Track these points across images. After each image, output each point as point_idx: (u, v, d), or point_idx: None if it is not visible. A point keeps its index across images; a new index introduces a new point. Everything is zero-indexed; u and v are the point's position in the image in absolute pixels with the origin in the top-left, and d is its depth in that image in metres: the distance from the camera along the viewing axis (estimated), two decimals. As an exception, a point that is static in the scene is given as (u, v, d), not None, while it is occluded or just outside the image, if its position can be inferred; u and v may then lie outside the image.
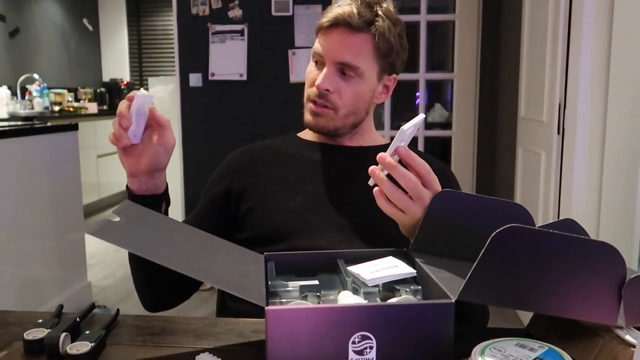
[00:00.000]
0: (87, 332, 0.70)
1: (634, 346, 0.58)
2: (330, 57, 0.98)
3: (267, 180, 1.04)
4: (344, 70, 0.99)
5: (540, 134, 2.47)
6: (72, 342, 0.68)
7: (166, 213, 0.93)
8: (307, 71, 1.04)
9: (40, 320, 0.73)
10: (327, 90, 0.98)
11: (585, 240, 0.59)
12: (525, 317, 2.46)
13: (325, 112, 1.01)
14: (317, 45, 1.00)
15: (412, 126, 0.77)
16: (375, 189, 0.78)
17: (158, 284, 0.96)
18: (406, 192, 0.76)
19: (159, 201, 0.90)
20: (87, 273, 3.02)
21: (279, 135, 1.17)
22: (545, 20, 2.38)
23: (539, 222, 2.41)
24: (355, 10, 0.97)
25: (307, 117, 1.03)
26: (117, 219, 0.67)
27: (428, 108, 3.89)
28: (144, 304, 1.00)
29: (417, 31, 3.46)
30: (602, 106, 2.10)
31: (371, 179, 0.77)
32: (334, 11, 0.98)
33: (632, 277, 0.59)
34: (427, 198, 0.76)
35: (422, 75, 3.52)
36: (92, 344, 0.67)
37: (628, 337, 0.60)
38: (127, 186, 0.90)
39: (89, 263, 3.08)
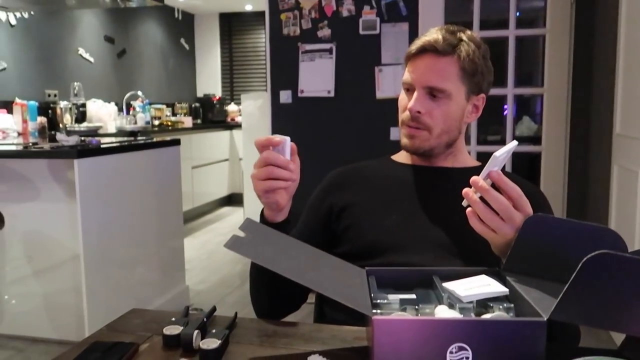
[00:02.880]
0: (214, 330, 0.81)
1: None
2: (419, 82, 1.06)
3: (365, 199, 1.12)
4: (432, 93, 1.06)
5: (638, 151, 2.38)
6: (201, 339, 0.80)
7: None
8: (399, 100, 1.13)
9: (174, 319, 0.86)
10: (419, 112, 1.06)
11: (677, 268, 0.62)
12: (618, 338, 2.37)
13: (419, 134, 1.08)
14: (406, 75, 1.09)
15: (505, 152, 0.83)
16: (469, 209, 0.84)
17: (275, 294, 1.07)
18: (498, 214, 0.82)
19: (290, 225, 1.01)
20: (185, 277, 3.24)
21: (368, 151, 1.27)
22: (643, 34, 2.30)
23: (636, 244, 2.32)
24: (440, 37, 1.05)
25: (404, 140, 1.12)
26: (243, 234, 0.77)
27: (516, 121, 3.83)
28: (258, 312, 1.10)
29: (505, 46, 3.43)
30: None
31: (464, 200, 0.83)
32: (421, 39, 1.07)
33: None
34: (518, 220, 0.81)
35: (510, 91, 3.48)
36: (220, 341, 0.78)
37: None
38: (263, 216, 1.00)
39: (186, 268, 3.31)
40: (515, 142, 0.86)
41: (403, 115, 1.10)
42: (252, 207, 4.69)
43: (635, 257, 0.61)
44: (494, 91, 3.50)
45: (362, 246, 1.06)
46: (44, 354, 2.48)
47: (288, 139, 0.92)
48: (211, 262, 4.05)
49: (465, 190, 0.82)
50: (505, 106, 3.57)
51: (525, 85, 3.88)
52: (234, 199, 6.36)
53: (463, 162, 1.17)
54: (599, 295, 0.64)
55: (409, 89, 1.09)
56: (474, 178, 0.81)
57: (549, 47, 3.45)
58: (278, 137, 0.92)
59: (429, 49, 1.05)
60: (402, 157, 1.20)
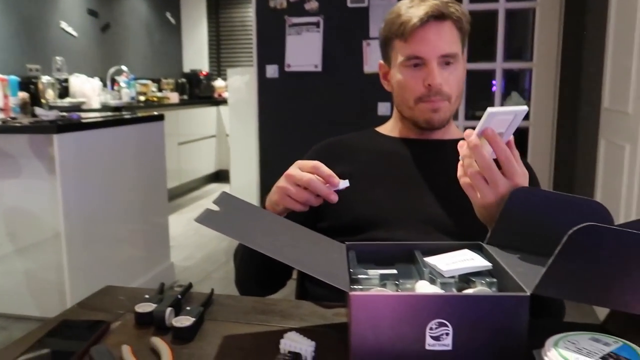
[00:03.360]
0: (188, 308, 0.79)
1: None
2: (433, 53, 1.01)
3: (350, 172, 1.09)
4: (446, 61, 1.03)
5: (625, 125, 2.36)
6: (175, 316, 0.77)
7: None
8: (402, 80, 1.05)
9: (147, 296, 0.83)
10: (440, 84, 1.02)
11: (664, 241, 0.60)
12: (602, 312, 2.39)
13: (443, 106, 1.05)
14: (413, 49, 1.02)
15: (507, 113, 0.79)
16: (460, 162, 0.83)
17: (263, 272, 1.04)
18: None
19: None
20: (170, 254, 3.22)
21: (356, 127, 1.23)
22: (634, 5, 2.27)
23: (621, 219, 2.32)
24: (434, 3, 1.02)
25: (427, 115, 1.05)
26: (217, 208, 0.74)
27: (504, 97, 3.80)
28: (244, 290, 1.07)
29: (495, 19, 3.38)
30: (695, 98, 1.99)
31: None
32: (419, 10, 1.01)
33: None
34: (502, 186, 0.79)
35: (499, 65, 3.44)
36: (194, 319, 0.75)
37: None
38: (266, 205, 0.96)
39: (171, 245, 3.28)
40: (525, 107, 0.80)
41: (418, 93, 1.04)
42: (239, 183, 4.65)
43: (621, 230, 0.59)
44: (483, 65, 3.46)
45: (344, 221, 1.03)
46: (27, 332, 2.45)
47: (346, 184, 0.89)
48: (197, 239, 4.03)
49: (461, 142, 0.81)
50: (494, 82, 3.54)
51: (514, 60, 3.83)
52: (221, 176, 6.32)
53: (454, 134, 1.14)
54: (584, 269, 0.62)
55: (417, 64, 1.03)
56: (468, 131, 0.80)
57: (539, 20, 3.41)
58: (338, 181, 0.88)
59: (431, 18, 1.01)
60: (388, 129, 1.17)
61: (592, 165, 2.88)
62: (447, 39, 1.02)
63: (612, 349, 0.58)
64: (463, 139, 1.11)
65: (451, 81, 1.03)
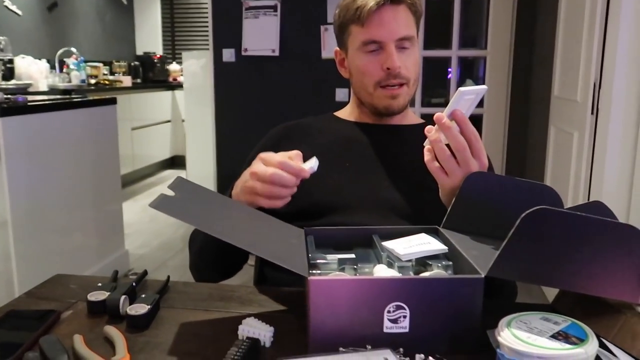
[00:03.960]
0: (143, 295, 0.77)
1: (653, 323, 0.62)
2: (391, 36, 1.01)
3: (307, 157, 1.08)
4: (403, 44, 1.03)
5: (574, 113, 2.45)
6: (130, 304, 0.75)
7: None
8: (360, 65, 1.05)
9: (100, 284, 0.81)
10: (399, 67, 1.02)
11: (611, 223, 0.62)
12: (551, 294, 2.49)
13: (401, 91, 1.05)
14: (371, 34, 1.02)
15: (472, 92, 0.80)
16: (427, 147, 0.83)
17: (219, 257, 1.01)
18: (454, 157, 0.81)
19: None
20: (125, 242, 3.14)
21: (313, 113, 1.22)
22: (583, -3, 2.34)
23: (569, 203, 2.41)
24: None
25: (385, 102, 1.05)
26: (172, 193, 0.72)
27: (459, 84, 3.86)
28: (199, 276, 1.04)
29: (450, 7, 3.42)
30: (638, 86, 2.08)
31: (427, 140, 0.82)
32: None
33: (655, 258, 0.62)
34: (473, 166, 0.81)
35: (454, 52, 3.49)
36: (149, 307, 0.73)
37: (649, 315, 0.64)
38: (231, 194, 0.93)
39: (126, 232, 3.21)
40: (485, 87, 0.83)
41: (377, 78, 1.04)
42: (195, 169, 4.58)
43: (570, 212, 0.61)
44: (439, 53, 3.51)
45: (302, 206, 1.03)
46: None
47: (316, 164, 0.84)
48: (153, 226, 3.95)
49: (428, 127, 0.81)
50: (450, 69, 3.60)
51: (469, 47, 3.90)
52: (176, 161, 6.20)
53: (411, 119, 1.15)
54: (536, 251, 0.64)
55: (375, 50, 1.03)
56: (438, 114, 0.80)
57: (493, 9, 3.48)
58: (308, 167, 0.84)
59: (387, 1, 1.00)
60: (346, 114, 1.17)
61: (542, 152, 2.98)
62: (402, 22, 1.02)
63: (561, 327, 0.60)
64: (420, 124, 1.12)
65: (409, 64, 1.04)
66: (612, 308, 0.67)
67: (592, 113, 2.24)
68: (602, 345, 0.59)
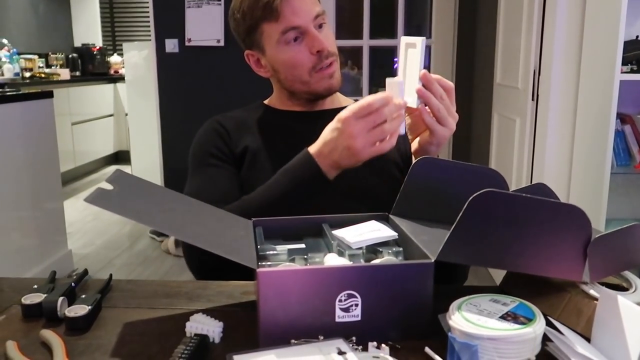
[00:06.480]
0: (83, 296, 0.73)
1: (597, 299, 0.63)
2: (307, 18, 1.00)
3: (250, 150, 1.06)
4: (319, 22, 1.02)
5: (515, 100, 2.52)
6: (68, 306, 0.71)
7: None
8: (287, 58, 1.02)
9: (36, 286, 0.76)
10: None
11: (554, 203, 0.63)
12: (497, 275, 2.56)
13: (335, 66, 1.05)
14: (289, 21, 0.99)
15: (412, 41, 0.90)
16: (421, 106, 0.87)
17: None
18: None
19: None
20: (67, 241, 3.02)
21: (249, 104, 1.19)
22: (521, -14, 2.40)
23: (513, 186, 2.49)
24: None
25: (327, 82, 1.04)
26: (111, 187, 0.69)
27: (405, 74, 3.90)
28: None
29: (395, -4, 3.45)
30: (575, 73, 2.16)
31: (417, 100, 0.86)
32: None
33: (596, 237, 0.63)
34: (455, 116, 0.89)
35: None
36: (89, 307, 0.70)
37: (592, 292, 0.66)
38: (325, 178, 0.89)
39: (68, 232, 3.08)
40: (423, 37, 0.88)
41: (310, 64, 1.02)
42: (141, 165, 4.45)
43: (517, 194, 0.62)
44: (384, 42, 3.53)
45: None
46: None
47: (401, 82, 0.87)
48: (97, 224, 3.81)
49: (418, 87, 0.86)
50: (396, 59, 3.63)
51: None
52: (121, 157, 6.01)
53: (342, 102, 1.15)
54: (484, 234, 0.64)
55: (296, 37, 1.01)
56: (424, 72, 0.86)
57: (436, -2, 3.52)
58: (394, 82, 0.87)
59: None
60: (277, 102, 1.15)
61: (486, 138, 3.05)
62: (310, 1, 1.02)
63: (510, 308, 0.61)
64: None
65: (330, 39, 1.04)
66: (557, 287, 0.69)
67: (532, 99, 2.31)
68: (549, 324, 0.60)
